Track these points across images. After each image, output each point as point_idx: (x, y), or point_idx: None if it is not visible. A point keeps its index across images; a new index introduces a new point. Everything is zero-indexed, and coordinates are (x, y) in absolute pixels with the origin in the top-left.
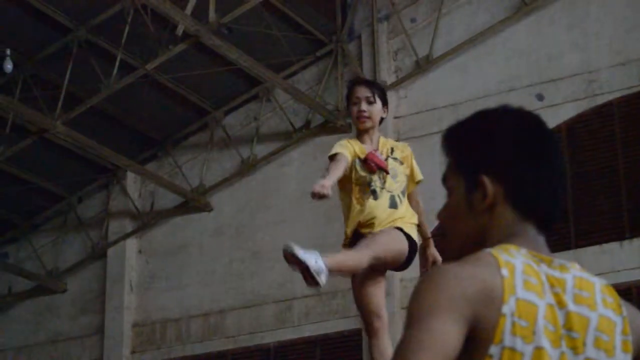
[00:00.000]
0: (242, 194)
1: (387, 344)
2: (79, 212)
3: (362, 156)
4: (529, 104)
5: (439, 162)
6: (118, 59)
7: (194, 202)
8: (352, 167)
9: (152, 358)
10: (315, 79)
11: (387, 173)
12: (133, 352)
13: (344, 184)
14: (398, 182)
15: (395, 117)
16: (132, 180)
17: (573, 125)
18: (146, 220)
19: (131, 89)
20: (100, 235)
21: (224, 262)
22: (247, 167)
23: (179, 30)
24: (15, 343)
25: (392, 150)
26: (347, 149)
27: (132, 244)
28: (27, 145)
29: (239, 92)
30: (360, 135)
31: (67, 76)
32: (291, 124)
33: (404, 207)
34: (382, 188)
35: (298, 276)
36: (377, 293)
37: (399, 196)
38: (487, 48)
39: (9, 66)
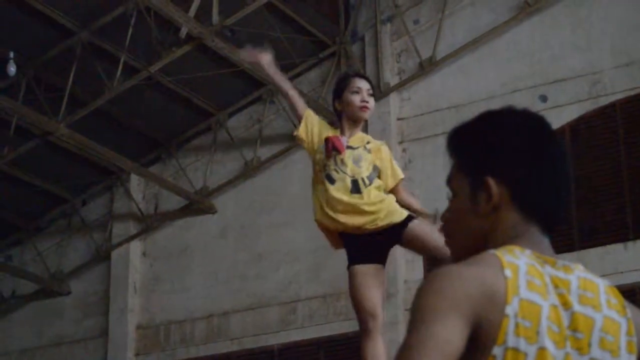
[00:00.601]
0: (246, 196)
1: (379, 347)
2: (83, 215)
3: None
4: (533, 105)
5: (442, 164)
6: (121, 61)
7: (197, 205)
8: (318, 150)
9: None
10: (318, 81)
11: (339, 153)
12: (137, 355)
13: (314, 167)
14: (362, 168)
15: (399, 119)
16: (135, 183)
17: (576, 126)
18: (150, 223)
19: (135, 91)
20: (104, 237)
21: (228, 264)
22: (251, 169)
23: (182, 33)
24: (19, 346)
25: (368, 142)
26: (318, 123)
27: (136, 247)
28: (30, 147)
29: (242, 94)
30: (343, 126)
31: (71, 78)
32: (295, 125)
33: (374, 193)
34: (340, 171)
35: (302, 278)
36: (375, 293)
37: (362, 180)
38: (491, 49)
39: (12, 69)
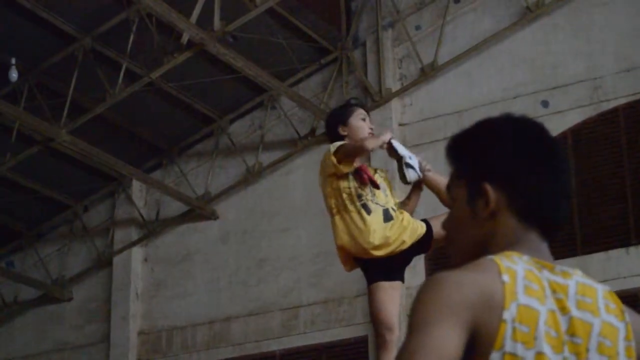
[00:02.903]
0: (248, 202)
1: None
2: (85, 221)
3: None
4: (535, 110)
5: (444, 170)
6: (123, 67)
7: (199, 210)
8: (343, 177)
9: None
10: (320, 87)
11: (377, 187)
12: None
13: (332, 191)
14: (388, 197)
15: (400, 125)
16: (137, 189)
17: (578, 131)
18: (152, 229)
19: (136, 97)
20: (105, 243)
21: (229, 270)
22: (253, 175)
23: (184, 39)
24: (21, 352)
25: (375, 170)
26: None
27: (137, 253)
28: (32, 154)
29: (244, 100)
30: None
31: (73, 85)
32: (296, 131)
33: (399, 218)
34: (373, 202)
35: (304, 283)
36: (394, 308)
37: (392, 209)
38: (492, 55)
39: (14, 75)
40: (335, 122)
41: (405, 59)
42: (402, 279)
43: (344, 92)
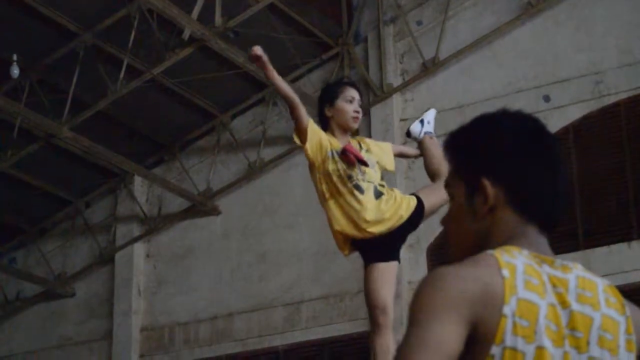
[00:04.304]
0: (250, 198)
1: (389, 342)
2: (87, 217)
3: (337, 149)
4: (536, 105)
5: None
6: (125, 63)
7: (201, 206)
8: (326, 158)
9: None
10: (321, 82)
11: (367, 165)
12: (141, 356)
13: (321, 176)
14: (377, 172)
15: (402, 120)
16: (139, 185)
17: (580, 126)
18: (154, 225)
19: (138, 93)
20: (107, 239)
21: (231, 265)
22: (254, 171)
23: (185, 35)
24: (24, 348)
25: (359, 143)
26: (319, 132)
27: (139, 248)
28: (34, 150)
29: (245, 96)
30: (334, 133)
31: (74, 81)
32: None
33: (389, 193)
34: (364, 180)
35: (306, 279)
36: (388, 290)
37: (380, 185)
38: (494, 50)
39: (15, 71)
40: (322, 101)
41: (406, 54)
42: (398, 259)
43: None
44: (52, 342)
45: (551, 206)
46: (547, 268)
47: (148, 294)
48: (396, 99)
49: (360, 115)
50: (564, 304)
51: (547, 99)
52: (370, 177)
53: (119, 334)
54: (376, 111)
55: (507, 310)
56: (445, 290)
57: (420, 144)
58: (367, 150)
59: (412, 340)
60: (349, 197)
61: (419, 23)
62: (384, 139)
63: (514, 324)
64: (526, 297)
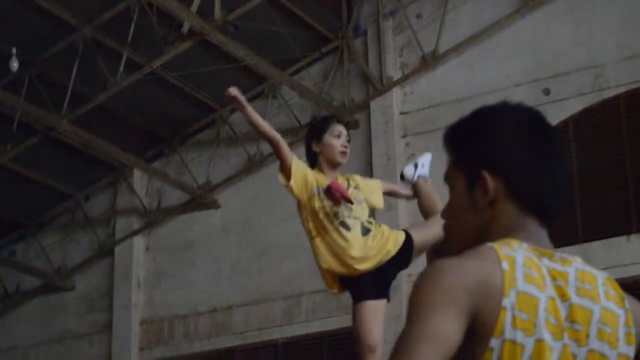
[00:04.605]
0: (249, 191)
1: None
2: (86, 210)
3: (323, 186)
4: (536, 98)
5: (445, 158)
6: (124, 57)
7: (201, 200)
8: (312, 196)
9: (160, 355)
10: (321, 76)
11: (351, 202)
12: (141, 349)
13: (307, 214)
14: (364, 209)
15: (402, 113)
16: (139, 178)
17: (580, 119)
18: (153, 218)
19: (137, 86)
20: (107, 233)
21: (231, 258)
22: (254, 164)
23: (185, 28)
24: (24, 341)
25: (347, 179)
26: (304, 168)
27: (139, 242)
28: (33, 143)
29: (245, 89)
30: (322, 168)
31: (73, 74)
32: (297, 120)
33: (377, 230)
34: (350, 217)
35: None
36: (378, 328)
37: (368, 221)
38: (493, 43)
39: (15, 65)
40: (310, 137)
41: (406, 47)
42: (388, 297)
43: (345, 81)
44: (52, 335)
45: (551, 199)
46: (546, 261)
47: (147, 287)
48: (396, 92)
49: (348, 151)
50: (563, 296)
51: (546, 92)
52: (357, 213)
53: (118, 327)
54: (376, 105)
55: (506, 302)
56: (445, 283)
57: (414, 186)
58: (355, 187)
59: (411, 333)
60: (335, 235)
61: (419, 16)
62: (384, 132)
63: (514, 317)
64: (526, 290)
